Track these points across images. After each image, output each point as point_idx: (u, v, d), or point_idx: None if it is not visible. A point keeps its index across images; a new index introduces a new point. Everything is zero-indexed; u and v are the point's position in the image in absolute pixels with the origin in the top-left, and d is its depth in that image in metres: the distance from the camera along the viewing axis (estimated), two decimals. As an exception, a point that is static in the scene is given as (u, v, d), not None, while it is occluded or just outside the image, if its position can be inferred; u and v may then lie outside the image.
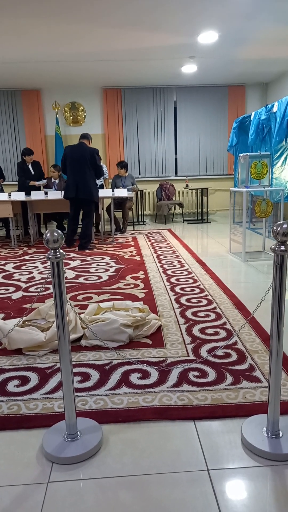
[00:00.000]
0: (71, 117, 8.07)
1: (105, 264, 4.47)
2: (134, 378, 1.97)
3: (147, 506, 1.24)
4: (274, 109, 5.23)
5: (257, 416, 1.61)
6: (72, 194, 5.29)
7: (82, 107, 8.04)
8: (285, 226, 1.33)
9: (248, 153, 4.43)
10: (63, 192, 5.60)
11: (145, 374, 2.00)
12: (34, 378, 2.01)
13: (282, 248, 1.35)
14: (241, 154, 4.56)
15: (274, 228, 1.35)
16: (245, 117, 6.52)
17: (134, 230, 7.05)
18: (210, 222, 7.75)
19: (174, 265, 4.25)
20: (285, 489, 1.29)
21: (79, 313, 2.72)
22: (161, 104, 8.11)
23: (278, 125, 5.07)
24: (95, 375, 2.01)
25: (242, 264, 4.29)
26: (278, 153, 5.41)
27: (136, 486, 1.32)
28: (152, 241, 5.84)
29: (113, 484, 1.33)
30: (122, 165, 7.08)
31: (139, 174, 8.29)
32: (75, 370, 2.06)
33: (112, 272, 4.06)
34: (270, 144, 5.54)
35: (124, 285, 3.58)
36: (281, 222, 1.35)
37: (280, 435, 1.49)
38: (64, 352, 1.46)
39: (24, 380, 1.99)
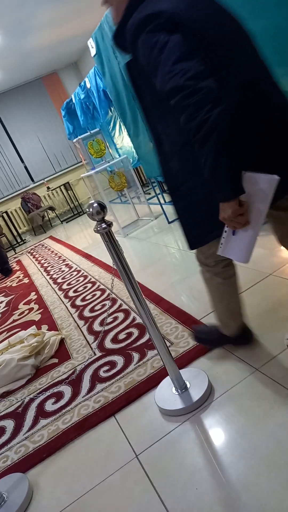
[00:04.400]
0: None
1: (-5, 302, 4.18)
2: (49, 405, 1.89)
3: (89, 528, 1.21)
4: (88, 85, 5.26)
5: (164, 380, 1.65)
6: None
7: None
8: (95, 205, 1.32)
9: (79, 137, 4.42)
10: None
11: (58, 396, 1.93)
12: None
13: (104, 225, 1.36)
14: (74, 140, 4.54)
15: (87, 210, 1.34)
16: (68, 102, 6.46)
17: (15, 253, 6.70)
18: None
19: (63, 271, 4.15)
20: (205, 433, 1.35)
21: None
22: (-16, 119, 7.66)
23: (98, 99, 5.11)
24: (10, 425, 1.88)
25: (124, 239, 4.35)
26: (112, 124, 5.49)
27: (74, 514, 1.27)
28: (37, 256, 5.62)
29: (53, 526, 1.27)
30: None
31: (-3, 197, 7.85)
32: (-12, 430, 1.90)
33: (4, 308, 3.82)
34: (100, 119, 5.59)
35: (18, 315, 3.40)
36: (91, 202, 1.34)
37: (188, 386, 1.55)
38: None
39: None
